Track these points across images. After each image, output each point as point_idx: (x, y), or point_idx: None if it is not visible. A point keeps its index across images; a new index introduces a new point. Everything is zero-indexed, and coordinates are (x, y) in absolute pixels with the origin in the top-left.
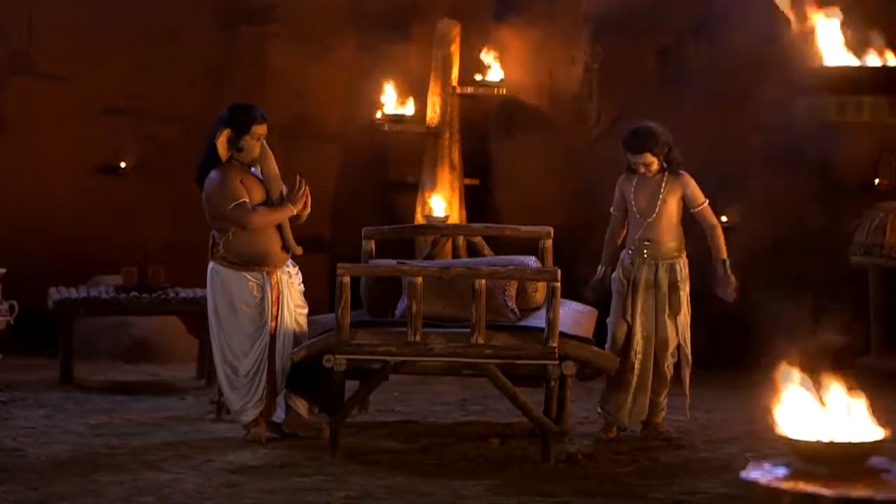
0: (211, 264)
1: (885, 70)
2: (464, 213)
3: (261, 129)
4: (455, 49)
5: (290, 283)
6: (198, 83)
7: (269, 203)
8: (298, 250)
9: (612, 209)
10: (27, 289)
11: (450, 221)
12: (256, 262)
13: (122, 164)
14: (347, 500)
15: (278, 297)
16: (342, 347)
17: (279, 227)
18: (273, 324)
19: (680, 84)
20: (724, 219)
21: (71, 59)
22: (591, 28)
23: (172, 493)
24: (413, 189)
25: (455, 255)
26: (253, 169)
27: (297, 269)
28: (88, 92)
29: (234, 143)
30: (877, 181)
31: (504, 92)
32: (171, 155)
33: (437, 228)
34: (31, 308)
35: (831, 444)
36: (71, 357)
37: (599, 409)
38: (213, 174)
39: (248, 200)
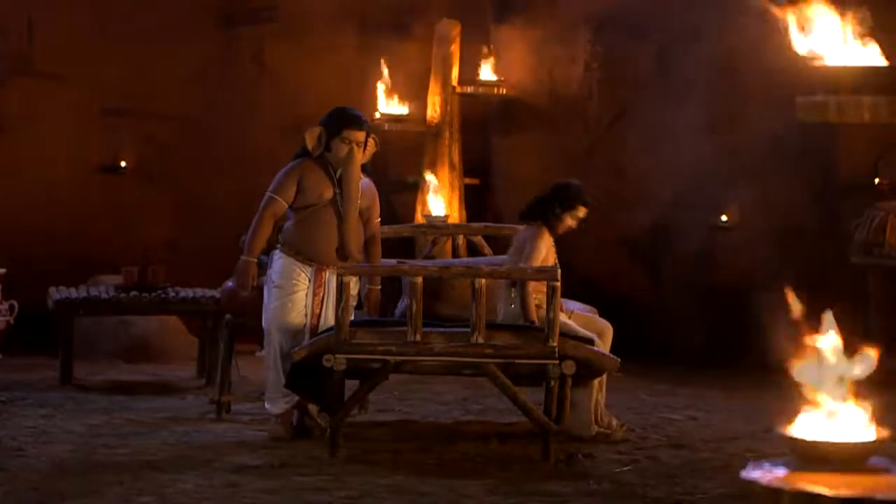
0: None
1: (885, 70)
2: (464, 212)
3: (352, 135)
4: (455, 49)
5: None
6: (198, 83)
7: (340, 206)
8: (358, 257)
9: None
10: (27, 289)
11: (450, 221)
12: (307, 255)
13: (122, 164)
14: (347, 500)
15: (322, 297)
16: (342, 347)
17: (339, 229)
18: (314, 321)
19: (679, 84)
20: (723, 218)
21: (71, 59)
22: (591, 28)
23: (172, 493)
24: (413, 189)
25: (455, 255)
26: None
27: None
28: (88, 92)
29: (324, 142)
30: (877, 181)
31: (504, 92)
32: (171, 155)
33: (437, 228)
34: (31, 308)
35: (831, 444)
36: (71, 357)
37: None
38: (290, 163)
39: (282, 202)
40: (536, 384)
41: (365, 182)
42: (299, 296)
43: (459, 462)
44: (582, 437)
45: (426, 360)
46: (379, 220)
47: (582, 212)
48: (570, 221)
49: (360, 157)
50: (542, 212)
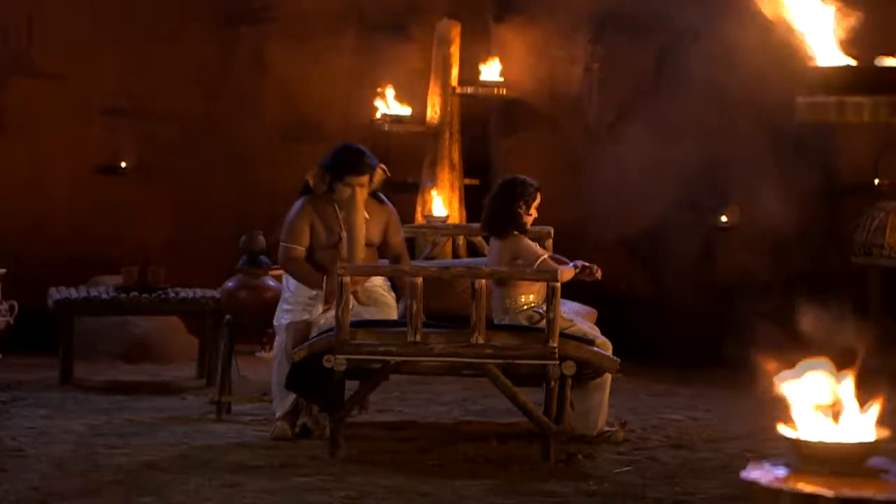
0: None
1: (885, 70)
2: (464, 213)
3: (355, 180)
4: (455, 49)
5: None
6: (198, 83)
7: (333, 246)
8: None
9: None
10: (27, 289)
11: (450, 221)
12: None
13: (122, 164)
14: (347, 500)
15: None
16: (342, 347)
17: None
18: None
19: (679, 84)
20: (724, 219)
21: (71, 59)
22: (591, 28)
23: (172, 493)
24: (413, 189)
25: (455, 255)
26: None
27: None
28: (88, 92)
29: (327, 183)
30: (877, 181)
31: (504, 92)
32: (171, 155)
33: (437, 228)
34: (31, 308)
35: (831, 444)
36: (71, 357)
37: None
38: (297, 203)
39: (299, 248)
40: (536, 384)
41: (377, 206)
42: (314, 308)
43: (459, 462)
44: (585, 435)
45: (426, 360)
46: (401, 238)
47: (539, 199)
48: (533, 213)
49: (364, 195)
50: (510, 218)
